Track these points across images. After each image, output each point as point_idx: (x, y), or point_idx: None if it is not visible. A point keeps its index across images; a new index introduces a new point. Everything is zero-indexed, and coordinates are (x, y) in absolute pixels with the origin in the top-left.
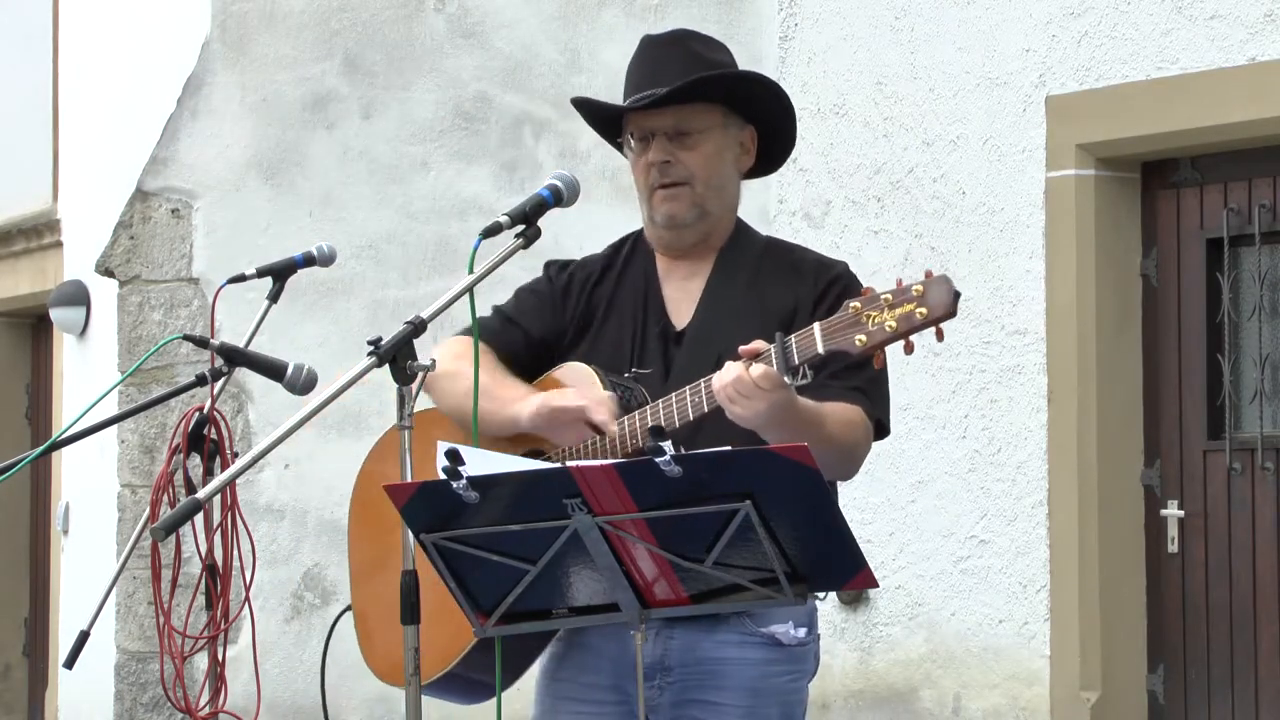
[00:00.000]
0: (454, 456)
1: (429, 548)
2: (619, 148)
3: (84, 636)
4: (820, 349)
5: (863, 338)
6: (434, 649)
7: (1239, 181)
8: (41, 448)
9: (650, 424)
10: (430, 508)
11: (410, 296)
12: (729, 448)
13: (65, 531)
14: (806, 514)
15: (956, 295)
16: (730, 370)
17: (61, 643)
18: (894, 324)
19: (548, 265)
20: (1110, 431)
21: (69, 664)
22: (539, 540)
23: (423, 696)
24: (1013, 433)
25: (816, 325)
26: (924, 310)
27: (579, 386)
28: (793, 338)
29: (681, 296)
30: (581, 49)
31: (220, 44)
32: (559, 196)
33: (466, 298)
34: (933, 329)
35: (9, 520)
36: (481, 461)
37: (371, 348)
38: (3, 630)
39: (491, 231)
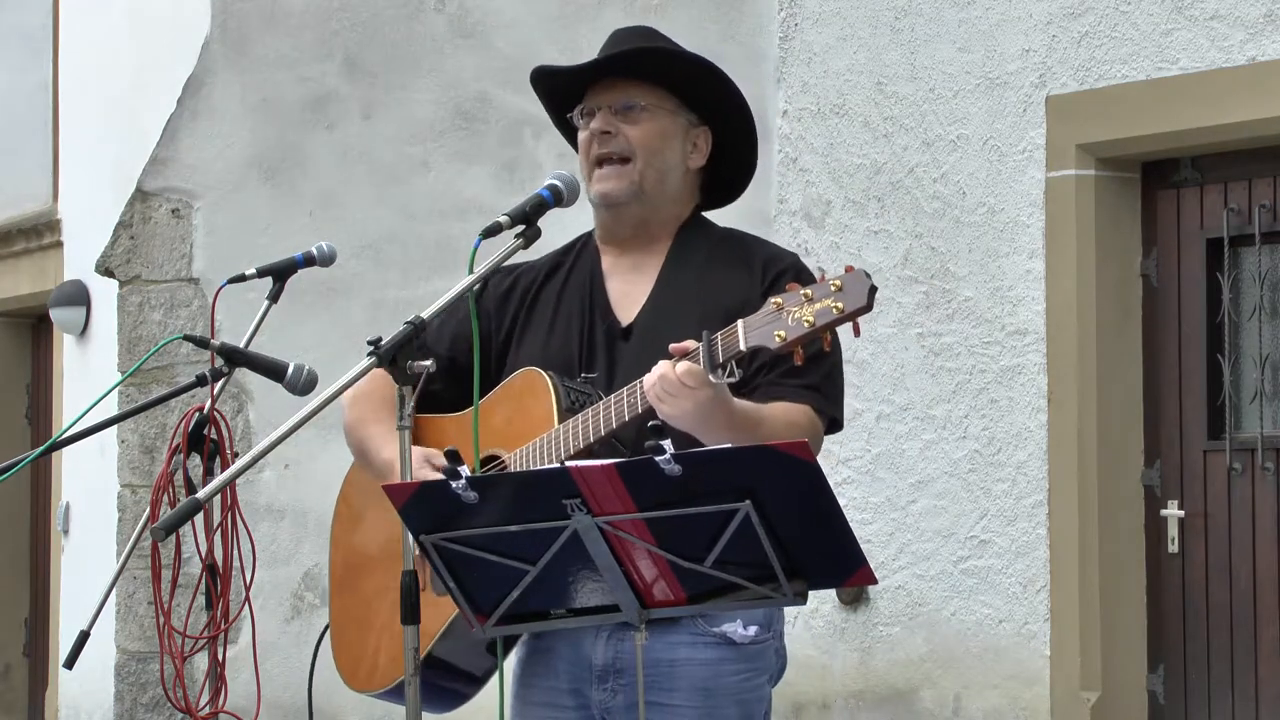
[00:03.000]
0: (454, 457)
1: (428, 548)
2: (572, 138)
3: (84, 636)
4: (742, 345)
5: (781, 333)
6: (394, 655)
7: (1239, 181)
8: (41, 448)
9: (593, 426)
10: (429, 508)
11: (410, 296)
12: (729, 445)
13: (65, 531)
14: (807, 510)
15: (873, 290)
16: (658, 368)
17: (61, 643)
18: (811, 319)
19: (490, 273)
20: (1110, 431)
21: (69, 664)
22: (538, 541)
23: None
24: (1013, 433)
25: (740, 322)
26: (840, 305)
27: (528, 403)
28: (719, 335)
29: (627, 291)
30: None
31: (220, 44)
32: (559, 196)
33: (467, 297)
34: (850, 324)
35: (9, 520)
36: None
37: (371, 348)
38: (3, 630)
39: (491, 231)
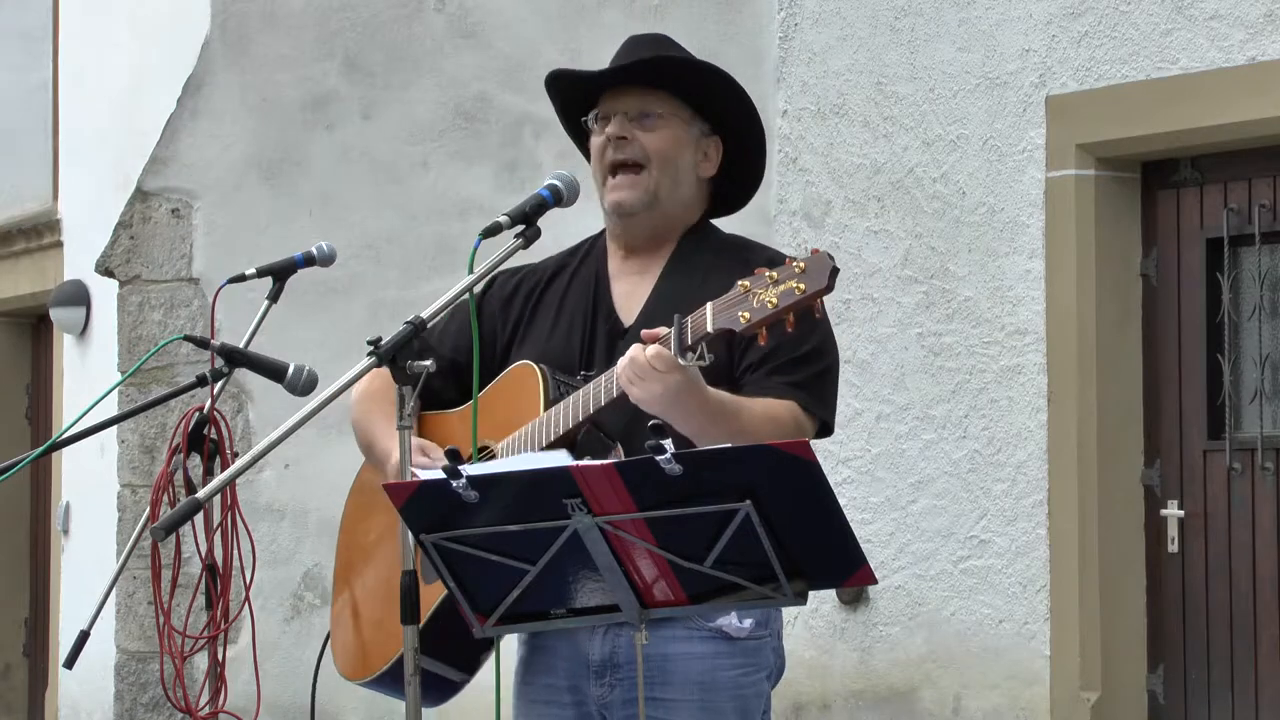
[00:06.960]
0: (454, 455)
1: (429, 548)
2: (580, 140)
3: (84, 636)
4: (709, 327)
5: (746, 314)
6: (380, 644)
7: (1239, 181)
8: (42, 448)
9: (570, 413)
10: (430, 507)
11: (410, 296)
12: (729, 445)
13: (65, 531)
14: (807, 510)
15: (834, 271)
16: (629, 352)
17: (61, 643)
18: (774, 300)
19: (495, 275)
20: (1110, 431)
21: (69, 664)
22: (538, 540)
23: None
24: (1013, 433)
25: (709, 304)
26: (802, 285)
27: (518, 395)
28: (689, 318)
29: (630, 292)
30: (581, 49)
31: (220, 44)
32: (559, 196)
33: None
34: (815, 308)
35: (9, 520)
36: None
37: (371, 348)
38: (3, 630)
39: (491, 231)
